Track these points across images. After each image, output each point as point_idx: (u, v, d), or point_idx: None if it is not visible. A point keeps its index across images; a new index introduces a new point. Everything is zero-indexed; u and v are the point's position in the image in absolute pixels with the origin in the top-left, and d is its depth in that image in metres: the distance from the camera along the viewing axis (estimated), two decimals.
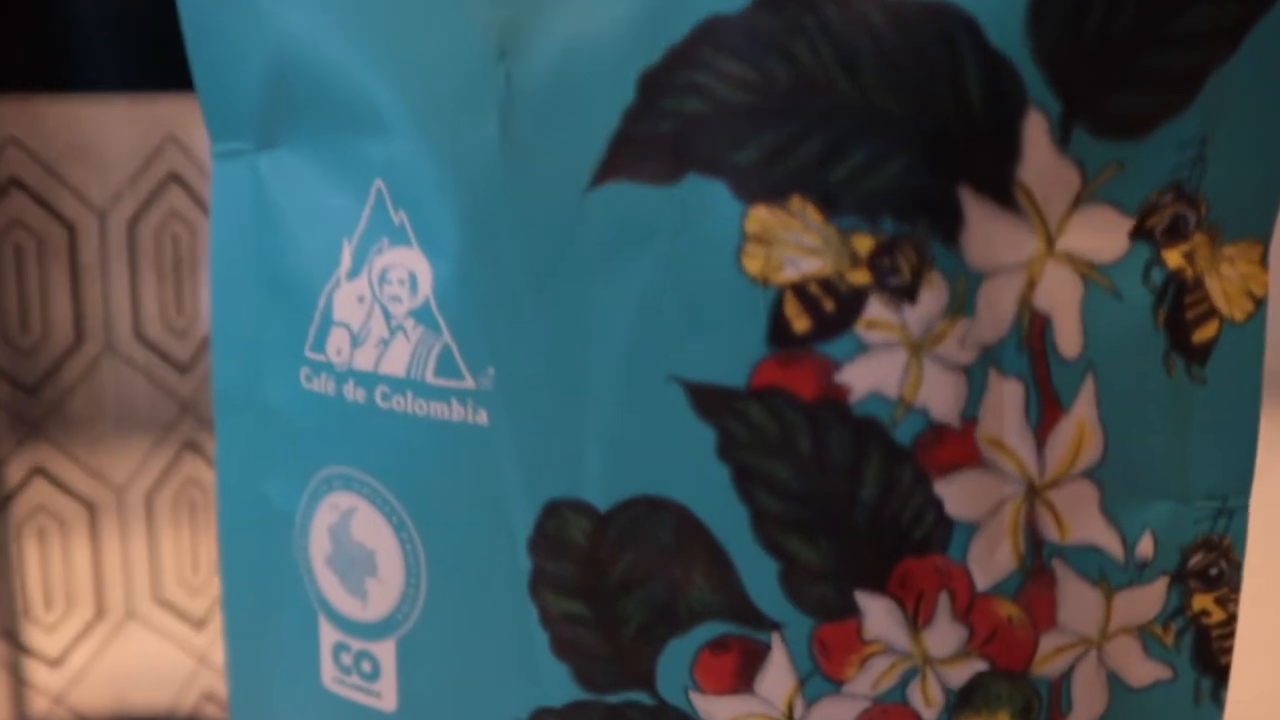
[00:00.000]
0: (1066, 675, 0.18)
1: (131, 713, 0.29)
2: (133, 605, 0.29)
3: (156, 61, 0.28)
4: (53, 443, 0.28)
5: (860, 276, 0.17)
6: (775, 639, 0.18)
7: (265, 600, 0.23)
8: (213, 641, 0.30)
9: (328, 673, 0.22)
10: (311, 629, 0.22)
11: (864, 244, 0.17)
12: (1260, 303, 0.18)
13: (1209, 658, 0.19)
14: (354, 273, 0.21)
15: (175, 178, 0.28)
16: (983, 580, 0.18)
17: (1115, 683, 0.19)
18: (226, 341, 0.23)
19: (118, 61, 0.27)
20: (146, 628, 0.29)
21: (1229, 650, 0.19)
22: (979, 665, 0.18)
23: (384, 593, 0.21)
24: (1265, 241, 0.18)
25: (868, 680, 0.18)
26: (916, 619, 0.18)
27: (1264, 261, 0.18)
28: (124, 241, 0.28)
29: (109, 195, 0.28)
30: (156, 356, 0.29)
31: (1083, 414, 0.18)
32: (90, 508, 0.29)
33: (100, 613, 0.29)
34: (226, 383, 0.23)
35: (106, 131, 0.28)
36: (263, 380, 0.22)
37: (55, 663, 0.29)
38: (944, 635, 0.18)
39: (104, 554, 0.29)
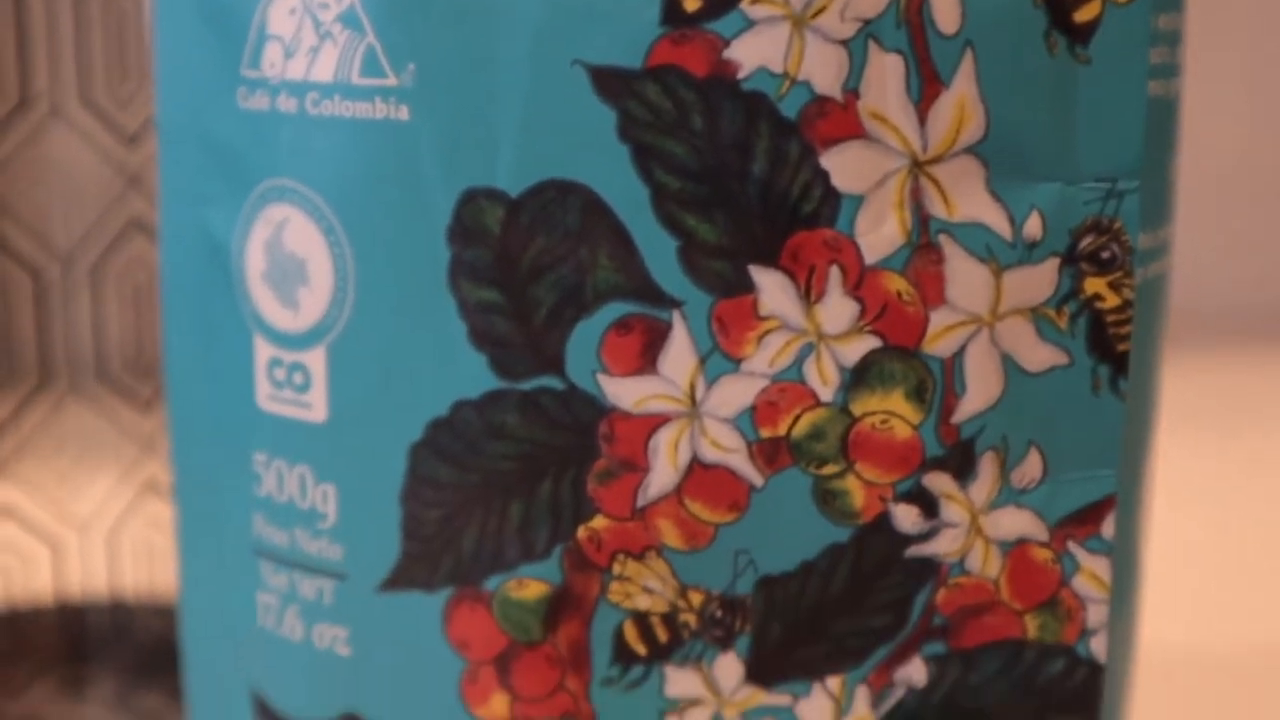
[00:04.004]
0: (959, 355, 0.24)
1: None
2: (75, 381, 0.35)
3: None
4: None
5: None
6: (676, 316, 0.24)
7: (203, 331, 0.29)
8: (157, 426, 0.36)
9: (262, 391, 0.28)
10: (247, 351, 0.28)
11: None
12: None
13: (1105, 344, 0.24)
14: None
15: None
16: (871, 254, 0.23)
17: (1010, 365, 0.24)
18: (168, 74, 0.29)
19: None
20: (90, 405, 0.35)
21: (1126, 338, 0.24)
22: (872, 342, 0.24)
23: (314, 300, 0.26)
24: None
25: (765, 358, 0.24)
26: (809, 294, 0.23)
27: None
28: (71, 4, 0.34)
29: None
30: (102, 125, 0.35)
31: (963, 90, 0.23)
32: (35, 276, 0.35)
33: (44, 382, 0.35)
34: (168, 116, 0.29)
35: None
36: (202, 108, 0.28)
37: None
38: (836, 310, 0.23)
39: (51, 324, 0.35)
